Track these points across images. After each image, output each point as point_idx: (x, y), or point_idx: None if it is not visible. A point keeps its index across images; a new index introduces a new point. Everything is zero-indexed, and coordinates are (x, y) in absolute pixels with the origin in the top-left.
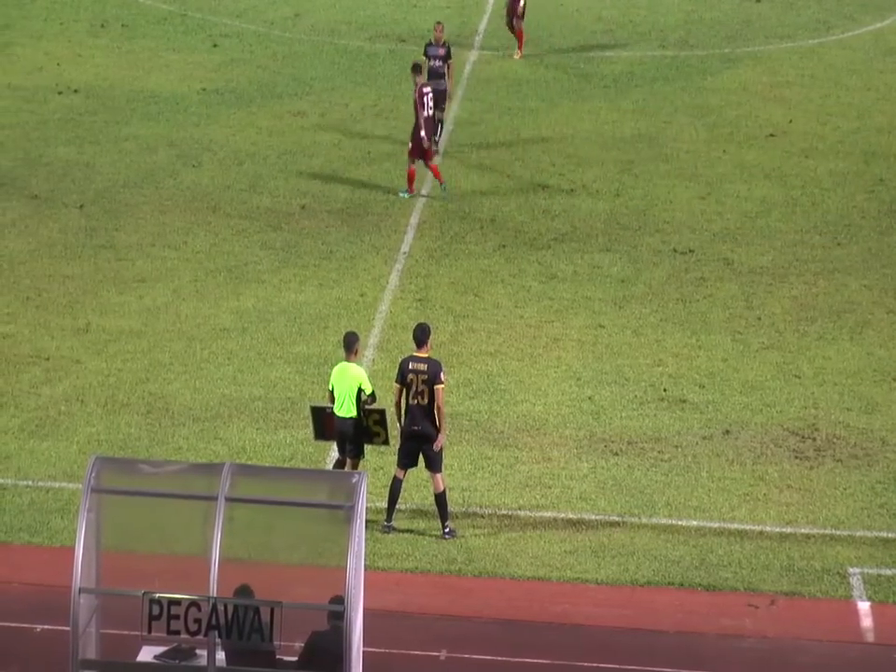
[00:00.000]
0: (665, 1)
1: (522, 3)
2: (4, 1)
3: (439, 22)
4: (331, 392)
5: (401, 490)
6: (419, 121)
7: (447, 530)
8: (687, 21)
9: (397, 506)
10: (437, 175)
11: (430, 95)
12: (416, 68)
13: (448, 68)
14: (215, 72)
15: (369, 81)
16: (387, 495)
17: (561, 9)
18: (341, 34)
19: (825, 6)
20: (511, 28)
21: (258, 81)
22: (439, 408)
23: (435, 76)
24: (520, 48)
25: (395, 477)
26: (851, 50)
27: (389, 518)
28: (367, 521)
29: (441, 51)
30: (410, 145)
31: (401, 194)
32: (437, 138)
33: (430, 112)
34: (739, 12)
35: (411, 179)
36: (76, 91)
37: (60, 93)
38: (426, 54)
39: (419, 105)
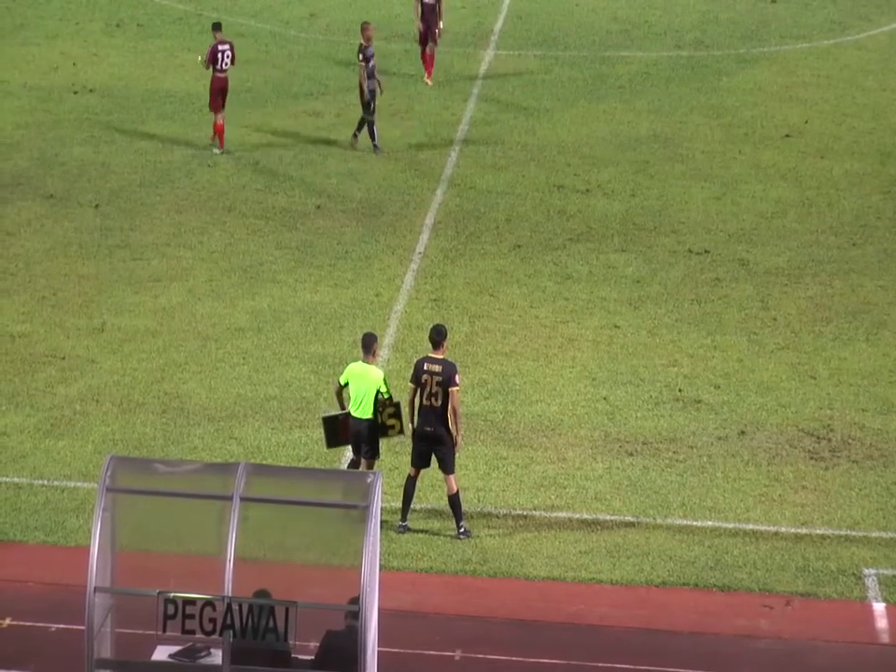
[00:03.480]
0: (680, 1)
1: (440, 27)
2: (19, 0)
3: (368, 23)
4: (341, 385)
5: (416, 489)
6: (213, 76)
7: (462, 530)
8: (702, 22)
9: (411, 506)
10: (220, 134)
11: (227, 53)
12: (216, 27)
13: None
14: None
15: (384, 81)
16: (402, 495)
17: (576, 10)
18: (356, 33)
19: (841, 6)
20: (424, 54)
21: (273, 81)
22: (454, 409)
23: (373, 76)
24: (430, 73)
25: (409, 476)
26: (867, 51)
27: (404, 518)
28: (382, 521)
29: (372, 50)
30: (209, 99)
31: (215, 151)
32: (375, 142)
33: (225, 67)
34: (755, 13)
35: (219, 134)
36: (91, 90)
37: (75, 93)
38: (365, 57)
39: (211, 60)
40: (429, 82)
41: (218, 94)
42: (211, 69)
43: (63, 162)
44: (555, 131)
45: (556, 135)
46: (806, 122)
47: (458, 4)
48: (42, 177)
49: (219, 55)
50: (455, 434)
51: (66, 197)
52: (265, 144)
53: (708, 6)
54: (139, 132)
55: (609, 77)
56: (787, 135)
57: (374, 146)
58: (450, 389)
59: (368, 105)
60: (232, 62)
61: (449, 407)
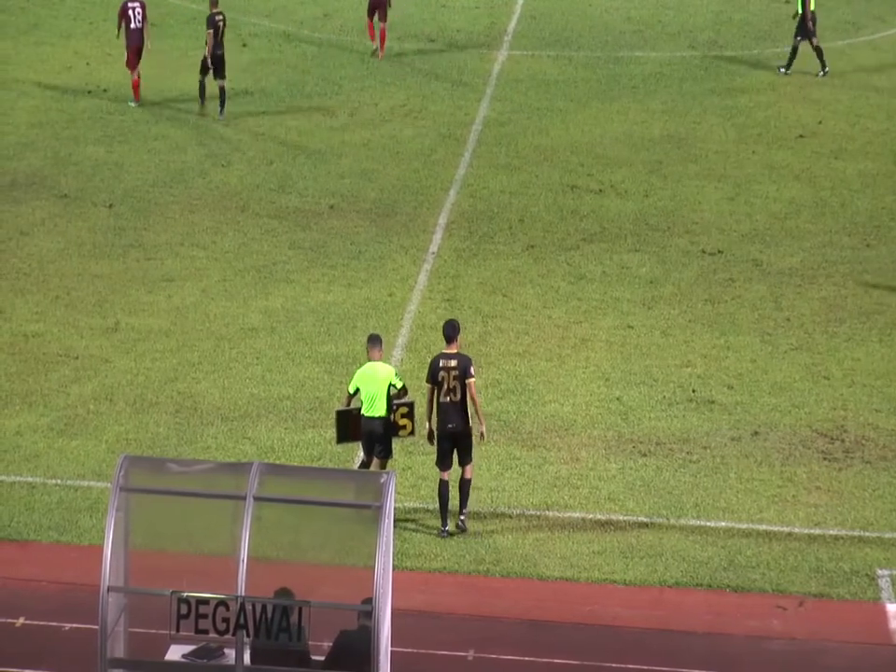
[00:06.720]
0: (694, 2)
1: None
2: (33, 0)
3: None
4: (350, 395)
5: (449, 491)
6: (127, 33)
7: (462, 518)
8: (716, 22)
9: (449, 508)
10: (136, 89)
11: (137, 10)
12: None
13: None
14: (244, 72)
15: (398, 81)
16: (437, 500)
17: (590, 10)
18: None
19: (854, 7)
20: (371, 27)
21: (287, 81)
22: (473, 399)
23: (218, 43)
24: (383, 48)
25: (440, 480)
26: (881, 51)
27: (444, 523)
28: (395, 521)
29: (216, 19)
30: (126, 56)
31: (130, 104)
32: (221, 110)
33: (138, 25)
34: (768, 13)
35: (135, 88)
36: (105, 90)
37: (89, 93)
38: (211, 24)
39: (123, 17)
40: (381, 55)
41: (134, 52)
42: (124, 28)
43: (76, 162)
44: (569, 131)
45: (570, 136)
46: (820, 123)
47: (472, 4)
48: (56, 177)
49: (130, 12)
50: (479, 425)
51: (80, 196)
52: (279, 144)
53: (722, 6)
54: (152, 131)
55: (623, 77)
56: (800, 136)
57: (202, 103)
58: (467, 381)
59: (205, 69)
60: (144, 19)
61: (468, 398)
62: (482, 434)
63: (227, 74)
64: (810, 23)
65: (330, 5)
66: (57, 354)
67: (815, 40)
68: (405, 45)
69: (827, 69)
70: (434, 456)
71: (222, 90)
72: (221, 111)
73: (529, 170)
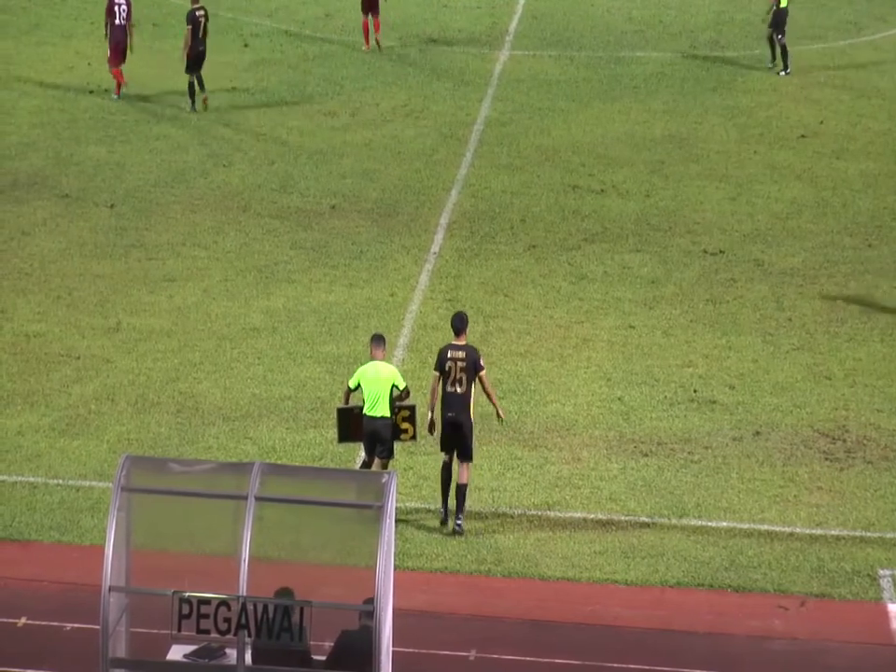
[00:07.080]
0: (695, 2)
1: None
2: (35, 0)
3: None
4: (350, 389)
5: (451, 474)
6: (111, 29)
7: (459, 522)
8: (717, 22)
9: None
10: (119, 79)
11: (122, 7)
12: None
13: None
14: (245, 72)
15: (399, 81)
16: (440, 484)
17: (591, 10)
18: (372, 34)
19: (856, 7)
20: (366, 23)
21: (288, 81)
22: (486, 389)
23: (200, 40)
24: (378, 31)
25: (443, 462)
26: (882, 51)
27: (445, 502)
28: (396, 521)
29: (196, 15)
30: (108, 53)
31: (113, 97)
32: (205, 95)
33: (122, 21)
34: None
35: (118, 83)
36: (106, 90)
37: (91, 92)
38: (191, 20)
39: (109, 14)
40: (379, 41)
41: (116, 48)
42: (109, 24)
43: (78, 162)
44: (570, 131)
45: (571, 136)
46: (821, 123)
47: (473, 4)
48: (57, 177)
49: (116, 8)
50: (495, 409)
51: (81, 196)
52: (280, 144)
53: (723, 6)
54: (154, 131)
55: (624, 77)
56: (802, 136)
57: (192, 105)
58: (479, 374)
59: (190, 66)
60: (129, 17)
61: (482, 389)
62: (498, 414)
63: (228, 73)
64: (769, 15)
65: (332, 5)
66: (59, 354)
67: (768, 31)
68: (407, 45)
69: (776, 63)
70: (435, 455)
71: (199, 77)
72: (202, 90)
73: (531, 170)
